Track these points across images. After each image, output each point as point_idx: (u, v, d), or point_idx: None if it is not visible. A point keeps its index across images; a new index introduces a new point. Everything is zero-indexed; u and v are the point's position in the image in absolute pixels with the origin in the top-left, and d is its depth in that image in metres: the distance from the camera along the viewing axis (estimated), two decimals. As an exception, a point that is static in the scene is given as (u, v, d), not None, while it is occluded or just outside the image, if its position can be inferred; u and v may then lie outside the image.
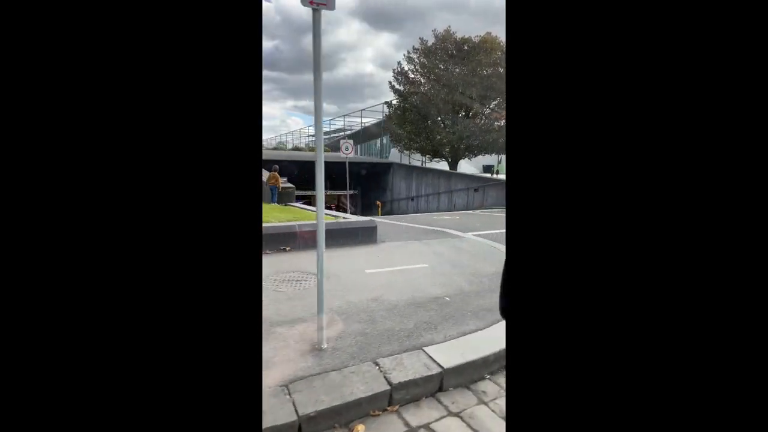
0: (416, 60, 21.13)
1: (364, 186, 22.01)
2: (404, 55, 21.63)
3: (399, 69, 21.51)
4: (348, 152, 12.05)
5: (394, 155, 21.72)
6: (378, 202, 19.73)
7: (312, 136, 31.89)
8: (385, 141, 22.77)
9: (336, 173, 20.57)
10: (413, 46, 21.52)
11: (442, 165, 20.85)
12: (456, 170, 19.25)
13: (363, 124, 22.33)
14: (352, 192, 22.47)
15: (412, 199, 18.74)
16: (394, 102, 21.76)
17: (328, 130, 30.44)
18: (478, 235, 6.93)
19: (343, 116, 24.10)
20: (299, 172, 18.07)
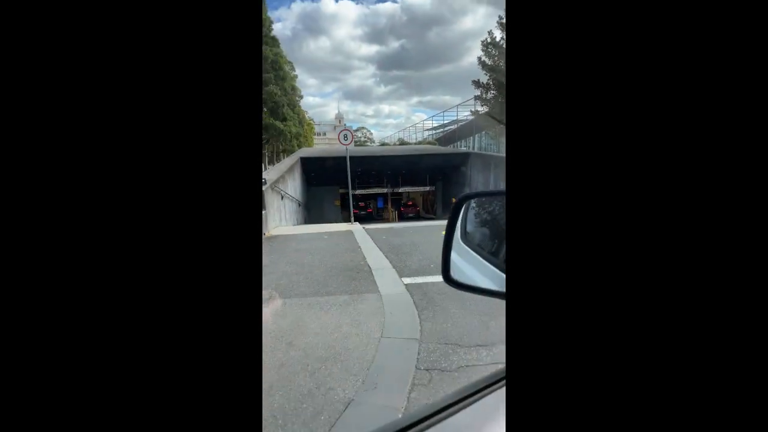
0: (511, 24, 16.56)
1: (444, 181, 18.41)
2: (497, 21, 17.21)
3: (489, 39, 17.23)
4: (347, 142, 9.13)
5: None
6: (454, 200, 16.14)
7: (430, 129, 29.05)
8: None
9: (405, 169, 17.64)
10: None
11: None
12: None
13: (477, 112, 18.54)
14: (430, 188, 19.10)
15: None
16: (485, 80, 17.59)
17: (442, 122, 27.24)
18: (423, 284, 3.47)
19: (456, 107, 20.24)
20: (362, 169, 15.85)
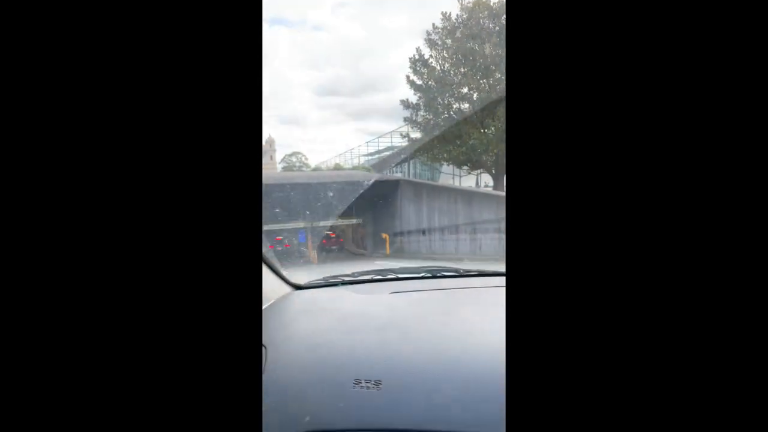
0: (439, 42, 14.93)
1: (375, 212, 15.88)
2: (424, 38, 15.46)
3: (417, 56, 15.40)
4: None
5: (447, 173, 14.87)
6: (384, 235, 13.63)
7: (367, 155, 26.60)
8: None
9: (327, 200, 14.91)
10: (433, 24, 15.15)
11: (487, 179, 14.28)
12: (501, 187, 12.49)
13: (412, 138, 16.00)
14: (357, 221, 16.40)
15: (424, 233, 12.26)
16: (414, 100, 15.62)
17: (377, 149, 25.03)
18: None
19: (390, 133, 18.26)
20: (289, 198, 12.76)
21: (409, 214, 13.22)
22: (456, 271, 1.28)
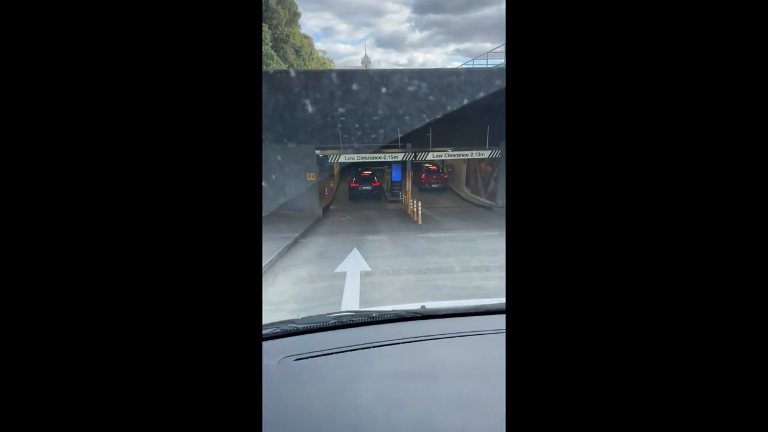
0: None
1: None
2: None
3: None
4: None
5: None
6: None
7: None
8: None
9: (444, 113, 8.40)
10: None
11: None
12: None
13: None
14: (491, 151, 9.57)
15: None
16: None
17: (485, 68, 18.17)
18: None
19: (503, 45, 11.76)
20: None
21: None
22: (368, 315, 0.94)
